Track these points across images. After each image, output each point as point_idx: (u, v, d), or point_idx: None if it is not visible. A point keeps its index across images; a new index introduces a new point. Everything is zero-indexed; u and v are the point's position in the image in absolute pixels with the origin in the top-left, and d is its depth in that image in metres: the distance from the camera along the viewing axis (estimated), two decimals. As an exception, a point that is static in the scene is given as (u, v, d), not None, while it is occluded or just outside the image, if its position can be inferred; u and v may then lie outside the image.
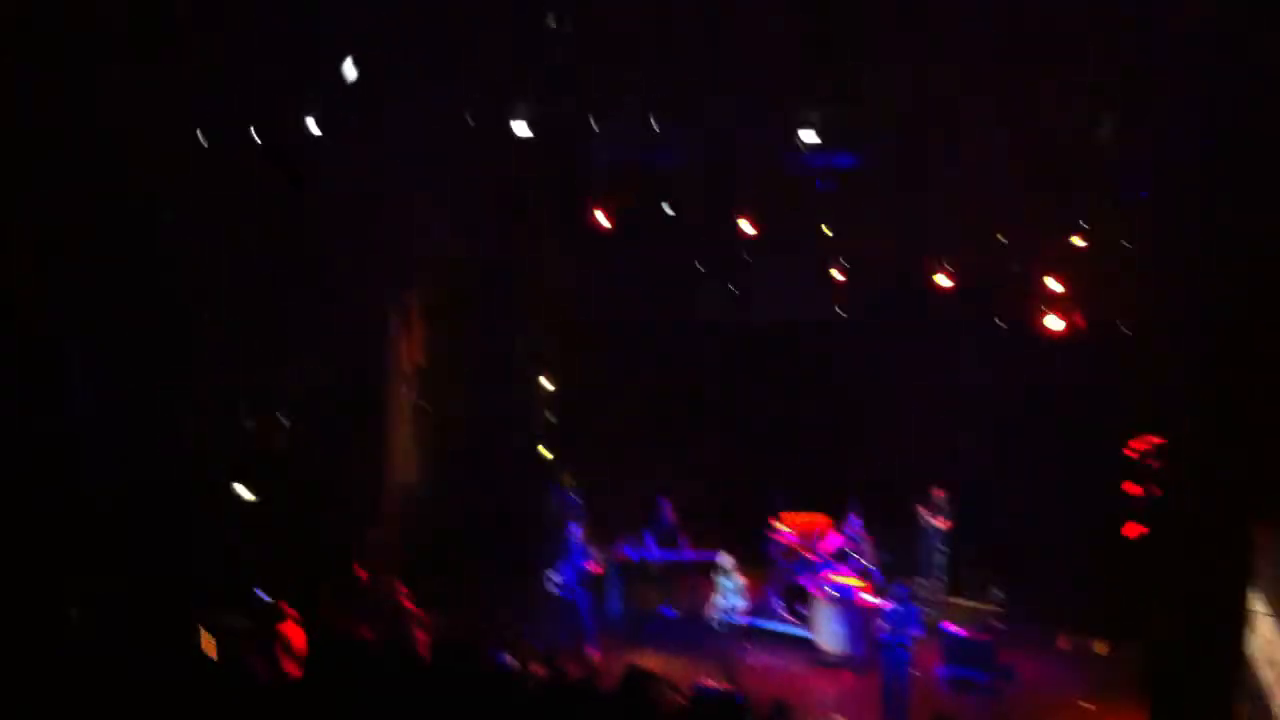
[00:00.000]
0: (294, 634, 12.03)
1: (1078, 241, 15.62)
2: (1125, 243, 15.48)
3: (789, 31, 12.70)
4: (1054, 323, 16.40)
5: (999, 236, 16.43)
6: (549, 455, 19.76)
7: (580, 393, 19.72)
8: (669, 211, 17.48)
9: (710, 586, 16.15)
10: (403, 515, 17.07)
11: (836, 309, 19.58)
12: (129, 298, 14.28)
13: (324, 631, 12.14)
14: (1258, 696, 12.96)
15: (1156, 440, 15.81)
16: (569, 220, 17.70)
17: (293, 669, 11.73)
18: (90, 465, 14.12)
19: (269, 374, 15.83)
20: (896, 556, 17.31)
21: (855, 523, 17.26)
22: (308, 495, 15.89)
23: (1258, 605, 13.65)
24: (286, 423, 16.19)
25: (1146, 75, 12.01)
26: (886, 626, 14.56)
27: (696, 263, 19.61)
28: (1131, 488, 16.25)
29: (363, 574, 15.09)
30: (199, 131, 14.08)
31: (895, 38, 12.38)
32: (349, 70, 13.33)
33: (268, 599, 12.75)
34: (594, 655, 15.19)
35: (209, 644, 10.79)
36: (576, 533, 16.20)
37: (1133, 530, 16.26)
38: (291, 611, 12.25)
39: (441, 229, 17.05)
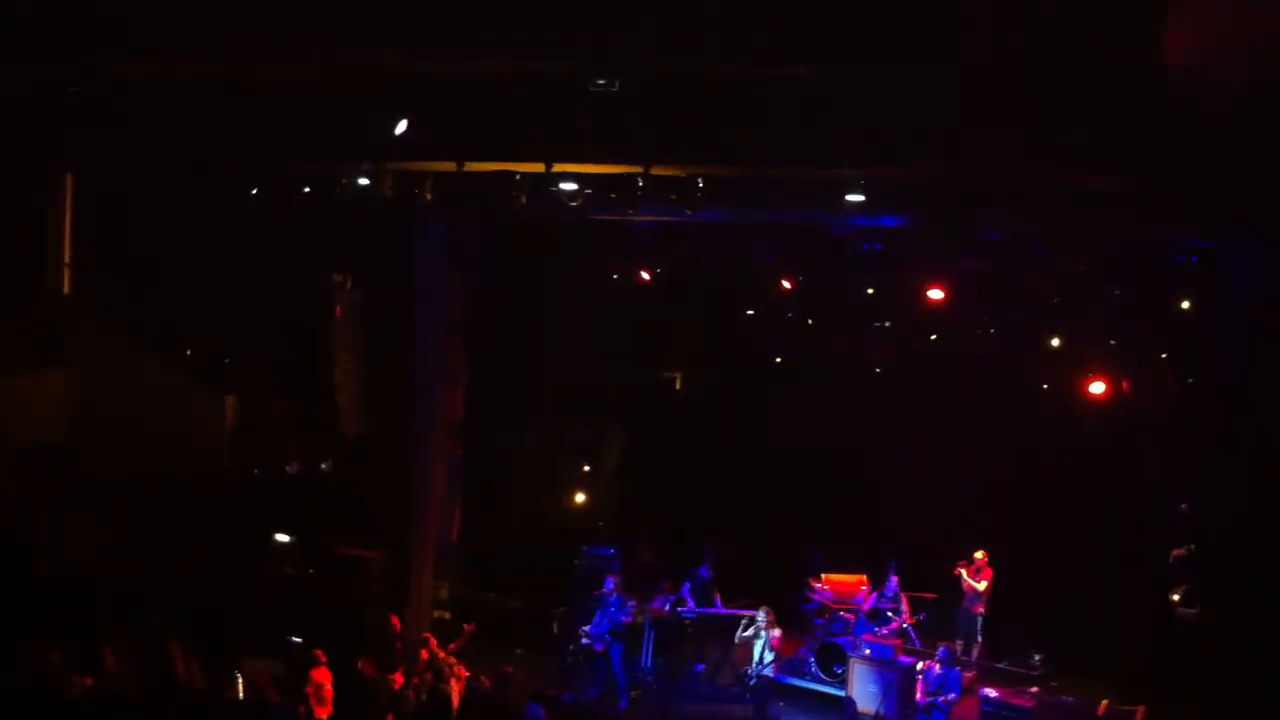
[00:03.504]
0: (325, 679, 12.10)
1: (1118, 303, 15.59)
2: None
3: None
4: (1097, 387, 16.35)
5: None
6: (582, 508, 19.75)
7: (610, 447, 19.74)
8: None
9: (746, 643, 16.05)
10: (438, 565, 17.12)
11: (877, 370, 19.55)
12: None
13: (355, 678, 12.20)
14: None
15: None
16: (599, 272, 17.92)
17: (323, 714, 11.79)
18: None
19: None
20: (935, 618, 17.17)
21: (894, 583, 17.15)
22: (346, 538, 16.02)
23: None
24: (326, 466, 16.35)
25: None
26: (925, 688, 14.43)
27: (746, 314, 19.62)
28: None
29: (396, 622, 15.13)
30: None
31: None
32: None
33: (300, 644, 12.84)
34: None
35: (240, 687, 10.87)
36: (610, 586, 16.21)
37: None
38: (323, 657, 12.32)
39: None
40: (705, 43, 12.76)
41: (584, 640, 15.95)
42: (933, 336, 18.30)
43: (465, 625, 15.22)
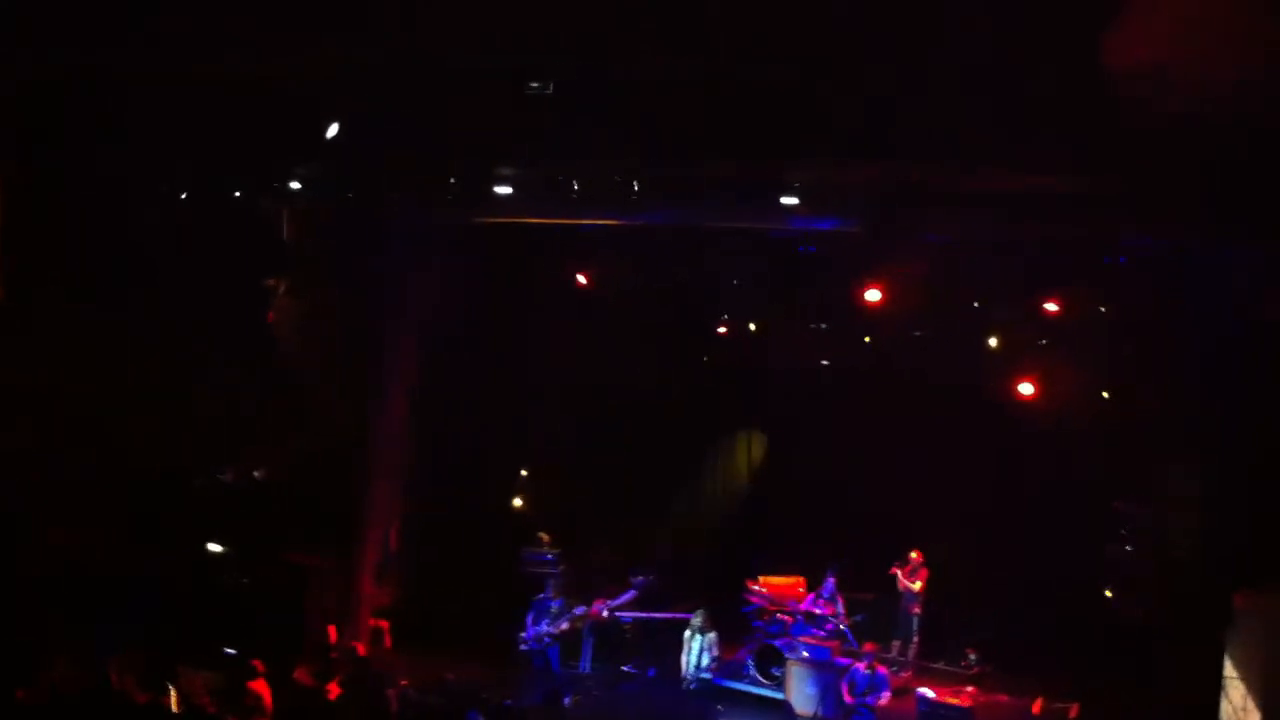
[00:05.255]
0: (262, 691, 11.92)
1: (1052, 307, 15.74)
2: (1102, 309, 15.63)
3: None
4: (1026, 389, 16.55)
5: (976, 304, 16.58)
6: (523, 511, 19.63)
7: (555, 450, 19.63)
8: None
9: (684, 646, 16.04)
10: (377, 572, 16.94)
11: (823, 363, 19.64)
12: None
13: (292, 689, 12.03)
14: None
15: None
16: (554, 282, 17.82)
17: (260, 726, 11.60)
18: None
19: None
20: (872, 619, 17.27)
21: (830, 584, 17.22)
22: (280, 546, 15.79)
23: (1230, 671, 13.71)
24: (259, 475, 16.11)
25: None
26: (853, 689, 14.52)
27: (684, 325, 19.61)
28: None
29: (333, 631, 14.94)
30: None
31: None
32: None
33: (236, 655, 12.64)
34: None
35: (174, 699, 10.68)
36: (549, 590, 16.13)
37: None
38: (261, 668, 12.14)
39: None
40: (641, 44, 12.75)
41: (522, 645, 15.88)
42: (866, 339, 18.37)
43: (383, 621, 15.01)
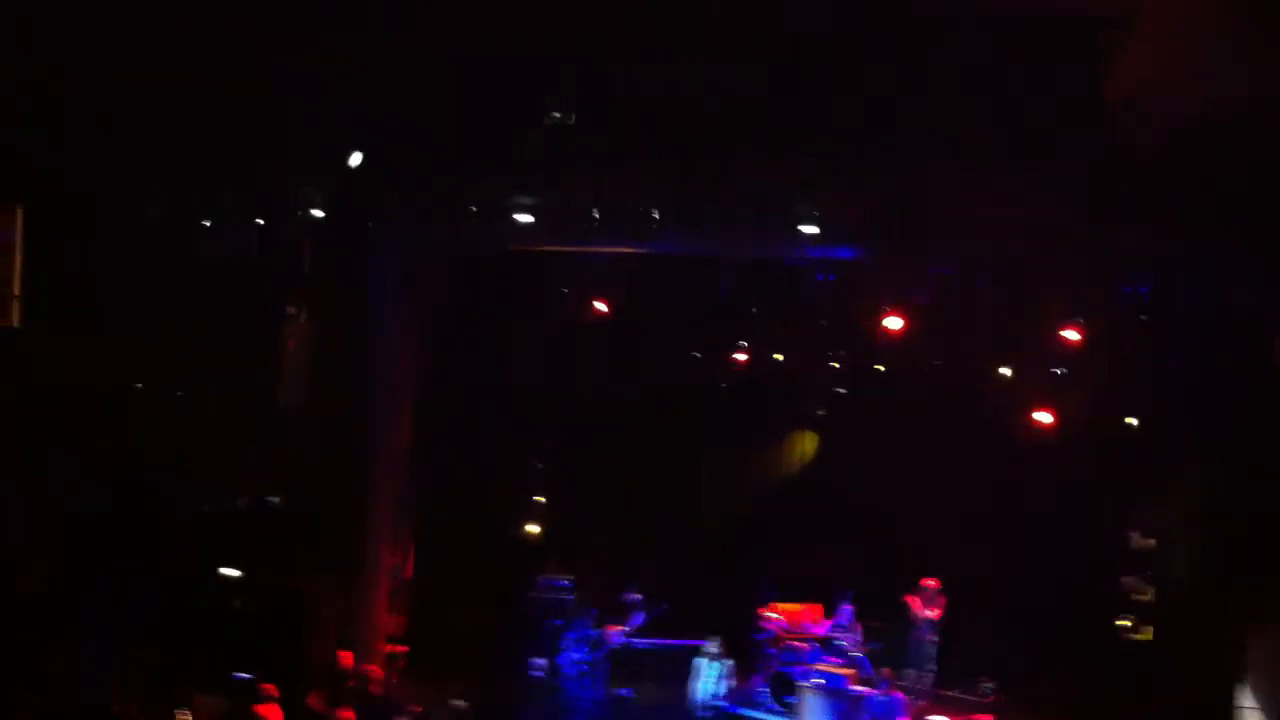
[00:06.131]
0: (272, 715, 11.99)
1: (1071, 335, 15.72)
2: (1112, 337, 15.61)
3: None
4: (1043, 418, 16.51)
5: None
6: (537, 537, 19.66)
7: (567, 473, 19.67)
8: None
9: (699, 673, 16.03)
10: (391, 599, 16.98)
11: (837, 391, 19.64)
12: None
13: (303, 714, 12.10)
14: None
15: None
16: (565, 305, 17.90)
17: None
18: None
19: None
20: (887, 646, 17.21)
21: (846, 611, 17.17)
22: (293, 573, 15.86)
23: (1245, 701, 13.64)
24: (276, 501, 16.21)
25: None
26: (870, 716, 14.48)
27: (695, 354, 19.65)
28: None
29: (348, 657, 14.99)
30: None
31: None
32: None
33: (247, 679, 12.71)
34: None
35: (183, 721, 10.78)
36: (563, 619, 16.14)
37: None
38: (272, 692, 12.21)
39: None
40: (658, 74, 12.87)
41: (538, 673, 15.88)
42: (879, 367, 18.39)
43: (398, 648, 15.00)
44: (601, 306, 17.78)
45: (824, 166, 13.14)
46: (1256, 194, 11.44)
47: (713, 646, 15.87)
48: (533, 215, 14.47)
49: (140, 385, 15.18)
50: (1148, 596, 16.62)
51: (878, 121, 12.36)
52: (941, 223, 13.14)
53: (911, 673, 17.39)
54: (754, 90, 12.65)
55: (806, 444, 20.94)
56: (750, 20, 12.13)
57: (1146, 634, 16.32)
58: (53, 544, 13.99)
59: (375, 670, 14.83)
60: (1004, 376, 17.06)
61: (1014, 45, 11.11)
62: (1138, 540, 16.98)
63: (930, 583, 17.62)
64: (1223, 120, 10.63)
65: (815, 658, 16.66)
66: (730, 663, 15.69)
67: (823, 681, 15.95)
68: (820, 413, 20.30)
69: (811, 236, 14.08)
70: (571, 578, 17.78)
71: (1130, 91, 10.74)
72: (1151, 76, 10.50)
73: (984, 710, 16.73)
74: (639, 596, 17.09)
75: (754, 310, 18.21)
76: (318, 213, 14.58)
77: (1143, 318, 15.09)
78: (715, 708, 15.66)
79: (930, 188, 12.77)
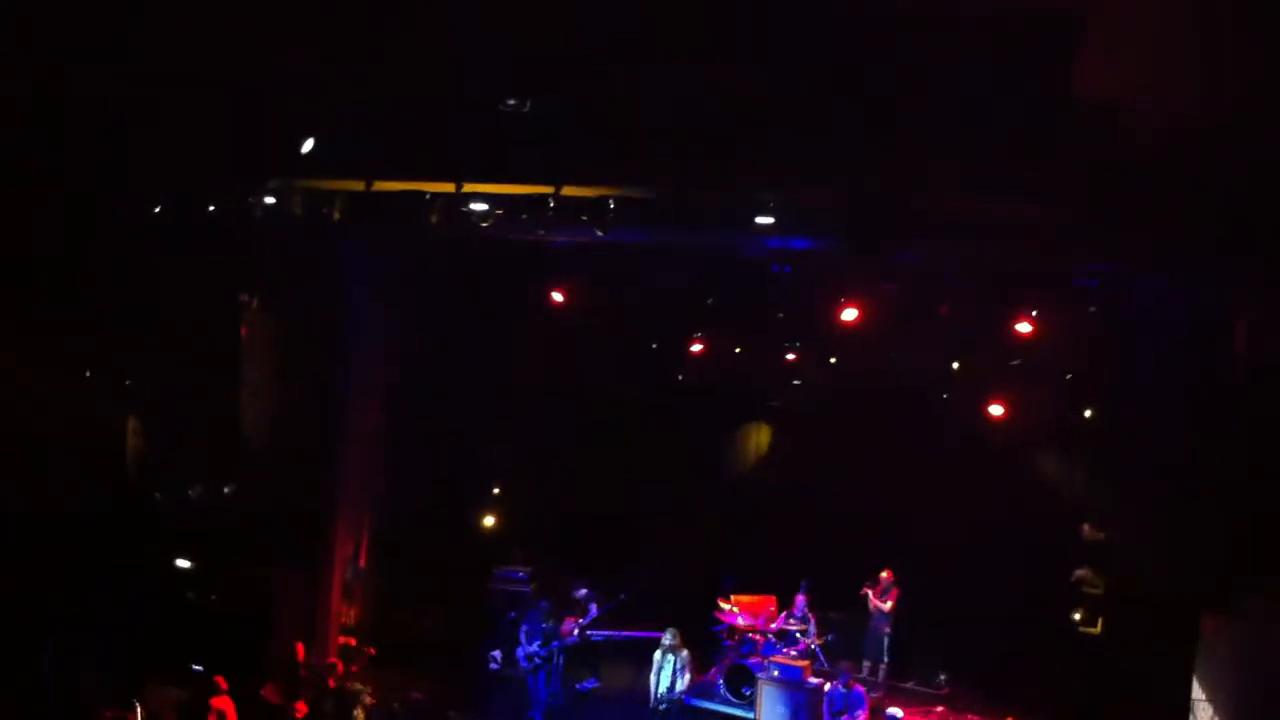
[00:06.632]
0: (227, 708, 11.87)
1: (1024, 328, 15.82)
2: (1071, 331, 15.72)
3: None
4: (996, 409, 16.64)
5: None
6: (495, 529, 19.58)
7: (526, 465, 19.60)
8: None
9: (655, 665, 15.99)
10: (347, 591, 16.85)
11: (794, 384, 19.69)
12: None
13: (258, 706, 11.99)
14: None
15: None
16: (525, 296, 17.81)
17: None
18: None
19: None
20: (843, 638, 17.27)
21: (802, 603, 17.22)
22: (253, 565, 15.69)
23: (1199, 693, 13.78)
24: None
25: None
26: (831, 708, 14.52)
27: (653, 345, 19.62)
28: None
29: (301, 649, 14.85)
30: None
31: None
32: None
33: (203, 671, 12.58)
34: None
35: (139, 715, 10.65)
36: (519, 611, 16.07)
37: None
38: (225, 685, 12.08)
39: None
40: (616, 63, 12.80)
41: (493, 665, 15.81)
42: (832, 359, 18.45)
43: (368, 649, 14.93)
44: (558, 297, 17.72)
45: (787, 160, 13.09)
46: (1231, 195, 11.54)
47: (670, 639, 15.82)
48: (491, 205, 14.36)
49: (98, 375, 14.90)
50: (1099, 590, 16.81)
51: (844, 117, 12.35)
52: (910, 218, 13.15)
53: (867, 664, 17.49)
54: (720, 84, 12.62)
55: (761, 436, 21.12)
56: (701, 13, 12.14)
57: (1097, 628, 16.46)
58: (11, 541, 13.72)
59: (331, 662, 14.70)
60: (962, 369, 17.14)
61: (982, 45, 11.16)
62: (1089, 533, 17.12)
63: (885, 574, 17.72)
64: (1209, 121, 10.77)
65: (771, 650, 16.69)
66: (687, 655, 15.65)
67: (778, 674, 15.99)
68: (775, 404, 20.38)
69: (770, 228, 14.05)
70: (529, 570, 17.72)
71: (1102, 91, 10.82)
72: (1126, 79, 10.59)
73: (939, 702, 16.86)
74: (586, 591, 17.03)
75: (709, 301, 18.18)
76: (271, 201, 14.42)
77: (1092, 309, 15.13)
78: (673, 700, 15.61)
79: (899, 185, 12.78)
